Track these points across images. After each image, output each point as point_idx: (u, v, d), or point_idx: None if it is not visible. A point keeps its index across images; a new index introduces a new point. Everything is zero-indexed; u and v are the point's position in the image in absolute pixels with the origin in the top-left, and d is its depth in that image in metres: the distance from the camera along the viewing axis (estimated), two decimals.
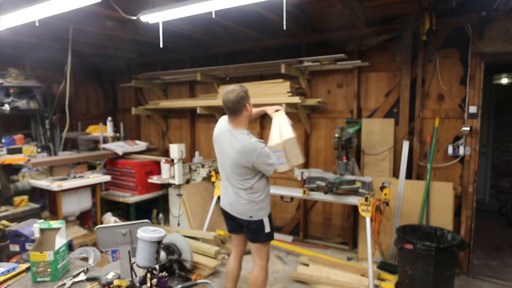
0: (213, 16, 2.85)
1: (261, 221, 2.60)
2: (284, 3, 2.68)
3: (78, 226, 4.24)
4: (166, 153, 5.59)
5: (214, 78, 4.91)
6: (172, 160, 4.54)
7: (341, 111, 4.36)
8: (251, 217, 2.58)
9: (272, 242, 2.89)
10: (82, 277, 1.85)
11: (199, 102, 4.82)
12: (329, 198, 3.52)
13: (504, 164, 6.17)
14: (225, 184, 2.67)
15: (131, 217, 4.65)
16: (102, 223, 4.32)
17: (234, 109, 2.46)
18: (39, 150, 4.83)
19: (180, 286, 1.78)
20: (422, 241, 3.03)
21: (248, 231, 2.64)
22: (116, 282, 1.68)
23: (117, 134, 5.59)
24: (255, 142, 2.44)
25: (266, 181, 2.62)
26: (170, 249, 3.55)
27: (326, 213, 4.61)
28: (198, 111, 4.72)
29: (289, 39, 4.50)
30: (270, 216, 2.65)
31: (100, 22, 3.98)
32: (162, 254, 3.47)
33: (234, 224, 2.72)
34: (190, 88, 5.54)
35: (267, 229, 2.62)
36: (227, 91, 2.47)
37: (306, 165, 4.59)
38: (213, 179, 4.37)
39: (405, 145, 3.89)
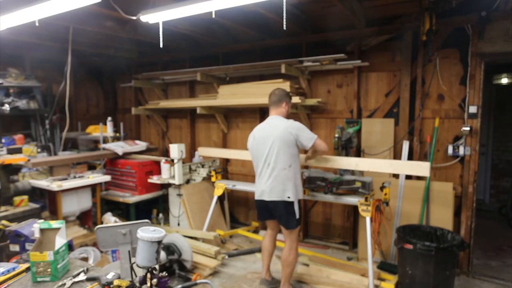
0: (213, 16, 2.85)
1: (293, 205, 2.99)
2: (284, 3, 2.68)
3: (78, 226, 4.24)
4: (166, 153, 5.59)
5: (214, 78, 4.91)
6: (172, 160, 4.54)
7: (341, 111, 4.36)
8: (289, 197, 2.96)
9: None
10: (82, 277, 1.85)
11: (199, 102, 4.81)
12: (329, 198, 3.53)
13: (504, 164, 6.17)
14: (264, 175, 3.05)
15: (131, 217, 4.65)
16: (102, 223, 4.32)
17: (276, 100, 3.19)
18: (39, 150, 4.83)
19: (180, 286, 1.77)
20: (422, 241, 3.03)
21: (280, 217, 3.05)
22: (116, 282, 1.68)
23: (117, 134, 5.58)
24: (292, 121, 3.07)
25: (299, 163, 3.09)
26: (170, 249, 3.55)
27: (326, 213, 4.61)
28: (198, 111, 4.72)
29: (289, 39, 4.50)
30: (299, 202, 3.08)
31: (100, 22, 3.98)
32: (162, 254, 3.47)
33: (267, 212, 3.17)
34: (190, 88, 5.54)
35: (297, 215, 3.02)
36: (275, 89, 3.31)
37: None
38: (213, 179, 4.37)
39: (405, 145, 3.89)
